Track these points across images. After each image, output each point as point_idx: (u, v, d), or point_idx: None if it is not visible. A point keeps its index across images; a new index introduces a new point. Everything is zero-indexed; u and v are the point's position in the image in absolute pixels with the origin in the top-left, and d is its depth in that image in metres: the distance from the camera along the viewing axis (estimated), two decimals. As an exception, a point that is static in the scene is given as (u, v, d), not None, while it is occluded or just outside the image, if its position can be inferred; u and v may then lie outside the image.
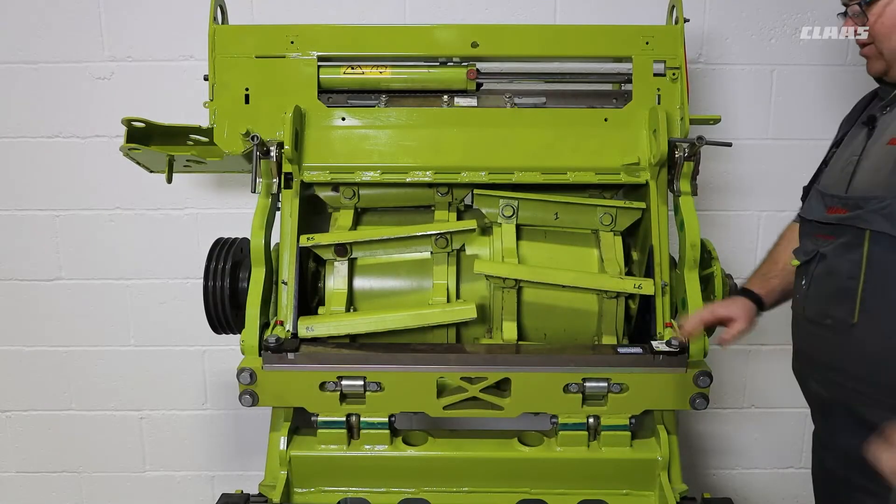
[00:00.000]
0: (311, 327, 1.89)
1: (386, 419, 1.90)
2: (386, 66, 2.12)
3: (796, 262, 1.83)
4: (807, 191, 1.90)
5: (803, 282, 1.81)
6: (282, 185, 2.02)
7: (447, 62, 2.13)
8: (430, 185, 2.11)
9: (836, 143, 1.85)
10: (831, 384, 1.76)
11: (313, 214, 2.13)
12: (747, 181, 2.71)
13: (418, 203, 2.15)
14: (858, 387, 1.69)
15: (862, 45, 1.77)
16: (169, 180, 2.22)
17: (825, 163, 1.86)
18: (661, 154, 1.94)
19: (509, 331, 1.95)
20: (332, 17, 2.53)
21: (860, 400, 1.69)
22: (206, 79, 2.10)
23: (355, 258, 2.03)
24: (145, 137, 2.12)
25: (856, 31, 1.74)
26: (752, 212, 2.73)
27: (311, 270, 2.07)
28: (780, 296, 1.94)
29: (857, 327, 1.66)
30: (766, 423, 2.92)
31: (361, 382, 1.85)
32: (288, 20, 2.43)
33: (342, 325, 1.90)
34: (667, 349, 1.82)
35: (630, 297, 1.98)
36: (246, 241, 2.08)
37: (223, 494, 1.94)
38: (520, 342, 1.95)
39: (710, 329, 1.90)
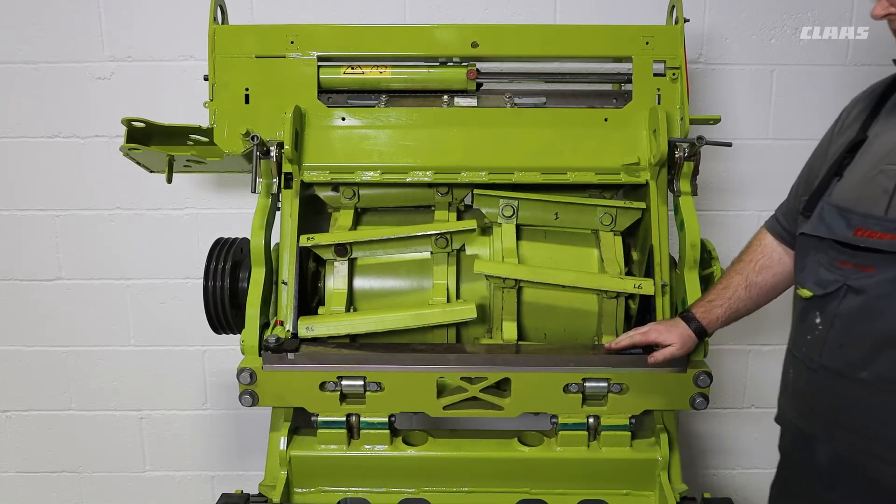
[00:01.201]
0: (311, 327, 1.89)
1: (386, 419, 1.91)
2: (386, 66, 2.12)
3: (807, 294, 1.51)
4: (809, 203, 1.55)
5: (818, 320, 1.49)
6: (282, 185, 2.02)
7: (447, 62, 2.13)
8: (430, 185, 2.11)
9: (851, 149, 1.51)
10: (855, 451, 1.45)
11: (313, 214, 2.13)
12: (747, 181, 2.71)
13: (418, 203, 2.15)
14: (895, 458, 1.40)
15: None
16: (169, 180, 2.22)
17: (836, 173, 1.52)
18: (661, 154, 1.94)
19: (509, 331, 1.95)
20: (332, 17, 2.53)
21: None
22: (206, 79, 2.10)
23: (355, 258, 2.02)
24: (145, 137, 2.12)
25: (889, 15, 1.43)
26: (752, 212, 2.73)
27: (311, 270, 2.07)
28: (722, 324, 1.78)
29: None
30: (766, 423, 2.88)
31: (361, 382, 1.85)
32: (288, 20, 2.42)
33: (342, 325, 1.90)
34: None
35: (630, 297, 1.98)
36: (246, 241, 2.08)
37: (223, 494, 1.94)
38: (520, 342, 1.95)
39: (645, 348, 1.81)
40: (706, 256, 2.04)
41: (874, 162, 1.45)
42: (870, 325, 1.40)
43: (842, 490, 1.50)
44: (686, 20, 2.09)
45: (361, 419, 1.91)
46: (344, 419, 1.91)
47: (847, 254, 1.43)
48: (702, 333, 1.79)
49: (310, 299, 2.06)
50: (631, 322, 2.02)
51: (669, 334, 1.77)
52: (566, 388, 1.85)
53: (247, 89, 2.08)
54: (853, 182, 1.48)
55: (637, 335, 1.80)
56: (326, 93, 2.13)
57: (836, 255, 1.45)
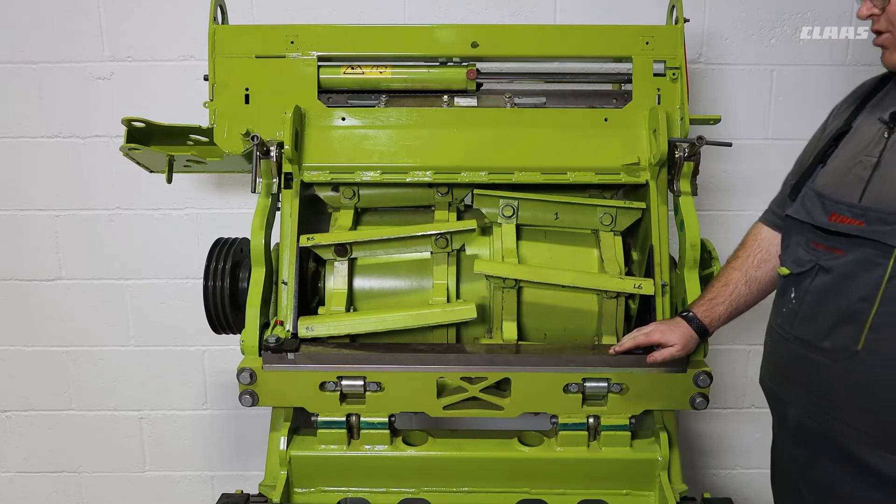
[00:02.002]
0: (311, 327, 1.89)
1: (386, 419, 1.90)
2: (386, 66, 2.12)
3: (785, 272, 1.63)
4: (795, 188, 1.68)
5: (792, 295, 1.61)
6: (282, 185, 2.02)
7: (447, 62, 2.13)
8: (430, 185, 2.11)
9: (836, 138, 1.63)
10: (820, 413, 1.57)
11: (313, 214, 2.13)
12: (747, 181, 2.71)
13: (418, 203, 2.16)
14: (852, 421, 1.51)
15: (878, 32, 1.54)
16: (169, 180, 2.22)
17: (821, 160, 1.64)
18: (661, 154, 1.94)
19: (509, 331, 1.95)
20: (331, 17, 2.53)
21: (853, 436, 1.51)
22: (206, 79, 2.10)
23: (355, 258, 2.02)
24: (145, 137, 2.12)
25: (873, 16, 1.52)
26: (752, 212, 2.69)
27: (311, 270, 2.07)
28: (724, 322, 1.82)
29: (861, 355, 1.47)
30: (766, 423, 2.88)
31: (361, 382, 1.85)
32: (288, 20, 2.43)
33: (342, 326, 1.90)
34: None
35: (630, 297, 1.98)
36: (246, 241, 2.08)
37: (223, 494, 1.94)
38: (520, 342, 1.95)
39: (646, 349, 1.81)
40: (706, 256, 2.04)
41: (854, 152, 1.56)
42: (834, 301, 1.51)
43: (811, 448, 1.62)
44: (686, 20, 2.09)
45: (361, 419, 1.90)
46: (344, 419, 1.90)
47: (822, 237, 1.55)
48: (703, 332, 1.80)
49: (310, 299, 2.06)
50: (631, 322, 2.02)
51: (672, 334, 1.78)
52: (566, 388, 1.85)
53: (247, 89, 2.08)
54: (834, 170, 1.59)
55: (640, 336, 1.80)
56: (326, 93, 2.13)
57: (813, 237, 1.57)
